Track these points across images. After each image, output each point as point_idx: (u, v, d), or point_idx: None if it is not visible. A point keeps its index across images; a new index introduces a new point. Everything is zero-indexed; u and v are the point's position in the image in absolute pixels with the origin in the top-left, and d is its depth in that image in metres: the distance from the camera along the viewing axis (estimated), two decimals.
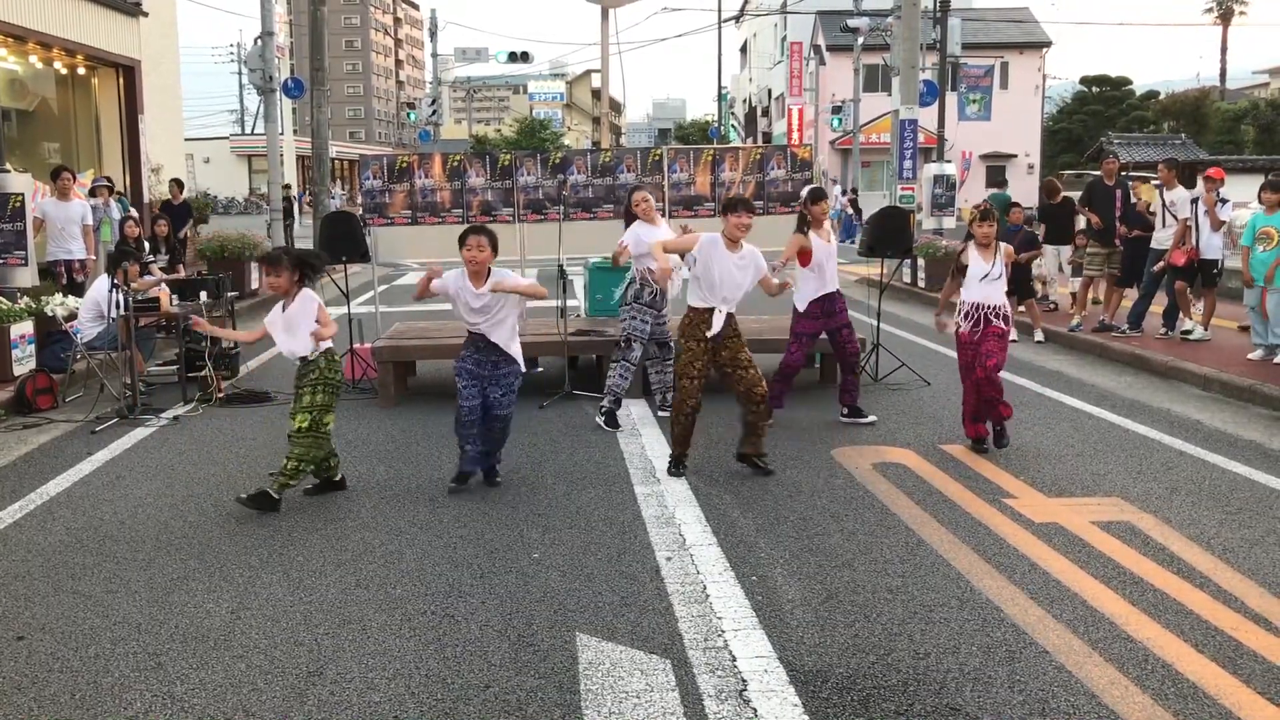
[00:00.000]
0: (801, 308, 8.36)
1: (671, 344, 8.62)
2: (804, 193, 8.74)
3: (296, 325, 6.39)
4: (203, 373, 9.65)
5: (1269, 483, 6.72)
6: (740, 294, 6.82)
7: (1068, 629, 4.54)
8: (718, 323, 6.70)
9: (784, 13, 49.86)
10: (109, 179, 15.37)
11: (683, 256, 6.94)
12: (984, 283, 7.44)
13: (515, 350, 6.61)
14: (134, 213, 15.19)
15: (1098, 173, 13.23)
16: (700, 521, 5.99)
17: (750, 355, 6.86)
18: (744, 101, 70.17)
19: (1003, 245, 7.64)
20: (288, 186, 29.85)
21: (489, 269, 6.45)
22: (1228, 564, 5.29)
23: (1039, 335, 12.44)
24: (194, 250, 16.54)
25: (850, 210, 32.98)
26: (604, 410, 8.31)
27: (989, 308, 7.43)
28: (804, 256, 8.11)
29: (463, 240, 6.42)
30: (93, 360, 9.63)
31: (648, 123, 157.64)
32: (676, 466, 6.97)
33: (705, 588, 5.02)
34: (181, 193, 16.65)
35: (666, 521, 6.01)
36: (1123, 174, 14.89)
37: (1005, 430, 7.52)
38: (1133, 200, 12.87)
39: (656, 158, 10.56)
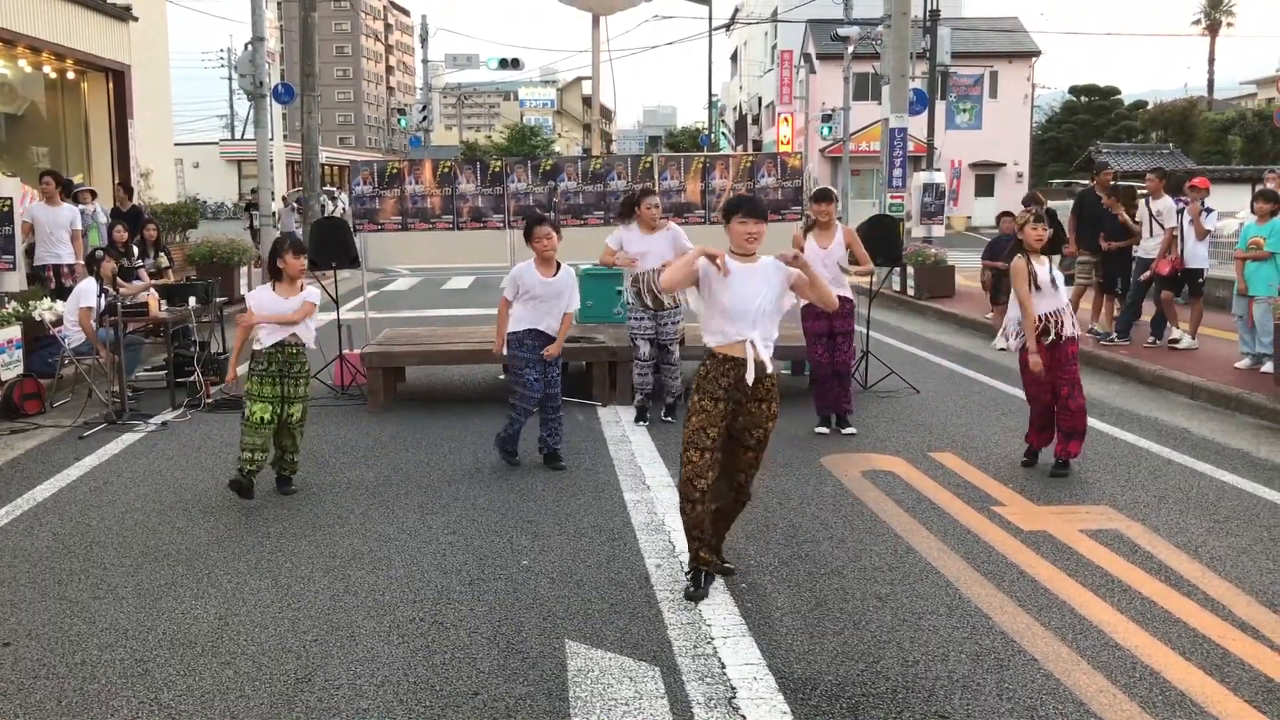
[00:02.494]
0: (800, 307, 8.28)
1: (671, 348, 8.65)
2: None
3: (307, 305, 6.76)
4: (191, 378, 9.62)
5: (1256, 491, 6.75)
6: (769, 316, 4.98)
7: (1056, 637, 4.55)
8: (751, 365, 4.88)
9: (774, 21, 50.00)
10: (88, 187, 15.21)
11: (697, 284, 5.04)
12: (1049, 291, 6.99)
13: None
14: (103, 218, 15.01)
15: (1087, 182, 13.27)
16: None
17: (769, 434, 5.12)
18: (734, 109, 70.24)
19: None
20: (254, 191, 29.47)
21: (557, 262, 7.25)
22: (1215, 572, 5.31)
23: (1000, 342, 12.38)
24: (182, 255, 16.46)
25: None
26: (635, 407, 8.78)
27: (1058, 318, 6.98)
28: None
29: (530, 232, 7.17)
30: (81, 365, 9.59)
31: (638, 130, 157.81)
32: (696, 583, 5.04)
33: None
34: (130, 198, 16.13)
35: (656, 528, 6.00)
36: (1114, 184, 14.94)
37: (1069, 463, 7.14)
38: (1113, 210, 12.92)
39: (647, 165, 10.57)
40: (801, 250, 8.03)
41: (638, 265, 8.50)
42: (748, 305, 4.89)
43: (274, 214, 20.92)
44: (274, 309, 6.64)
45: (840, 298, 8.11)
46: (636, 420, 8.67)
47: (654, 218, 8.51)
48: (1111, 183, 12.85)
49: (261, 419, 6.52)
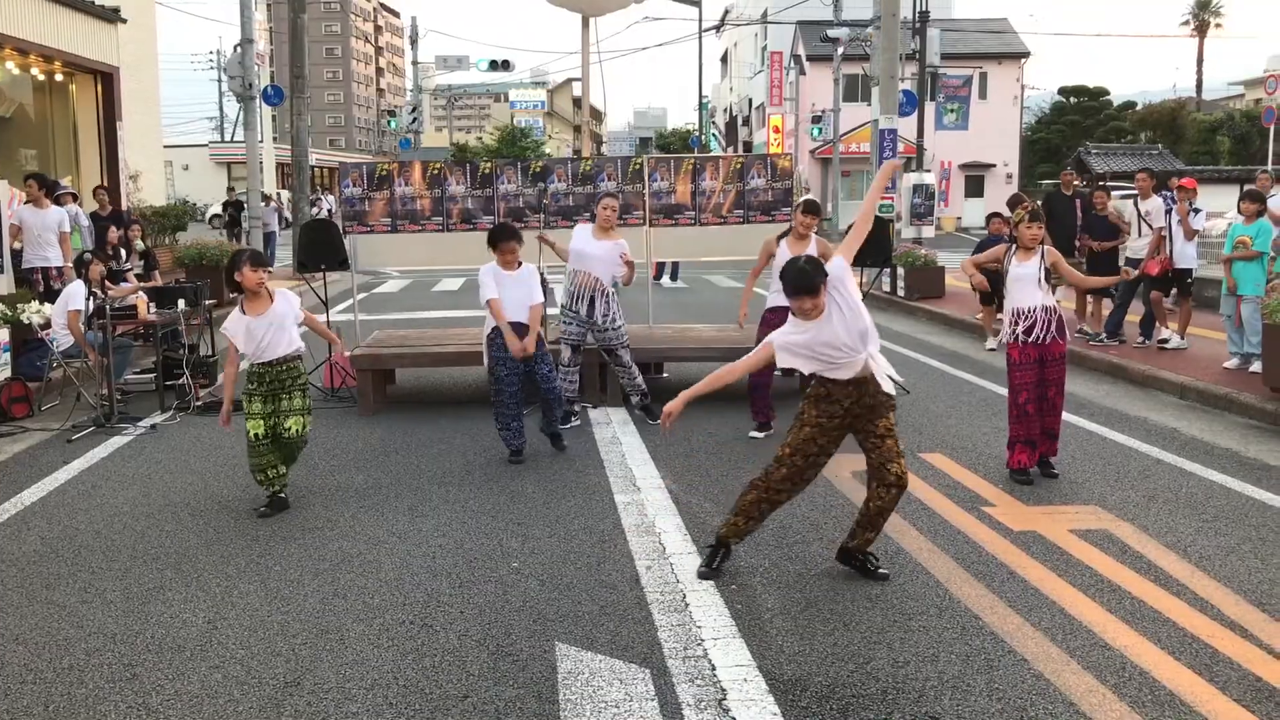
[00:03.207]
0: (763, 310, 8.19)
1: (619, 352, 8.65)
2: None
3: (286, 323, 6.41)
4: (180, 381, 9.59)
5: (1245, 491, 6.77)
6: (864, 333, 4.93)
7: (1046, 637, 4.55)
8: (882, 379, 5.02)
9: (764, 23, 50.05)
10: (70, 189, 15.09)
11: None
12: (1030, 286, 6.92)
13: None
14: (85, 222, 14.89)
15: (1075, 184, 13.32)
16: (680, 530, 5.99)
17: (892, 420, 5.17)
18: (725, 110, 70.31)
19: (1047, 249, 6.99)
20: (231, 189, 28.93)
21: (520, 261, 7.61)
22: (1204, 571, 5.33)
23: (991, 343, 12.43)
24: (170, 258, 16.40)
25: None
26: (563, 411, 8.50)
27: (1044, 315, 6.90)
28: (762, 260, 8.27)
29: (497, 243, 7.52)
30: (69, 369, 9.56)
31: (629, 131, 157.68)
32: (710, 563, 5.31)
33: (685, 596, 5.01)
34: (111, 201, 15.90)
35: (646, 530, 6.00)
36: (1098, 184, 14.99)
37: (1052, 462, 7.15)
38: (1102, 211, 12.96)
39: (637, 166, 10.57)
40: (772, 257, 8.06)
41: (577, 266, 8.45)
42: (837, 339, 4.90)
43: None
44: (257, 330, 6.33)
45: None
46: (560, 424, 8.15)
47: (609, 220, 8.48)
48: (1075, 183, 12.95)
49: (256, 435, 6.31)
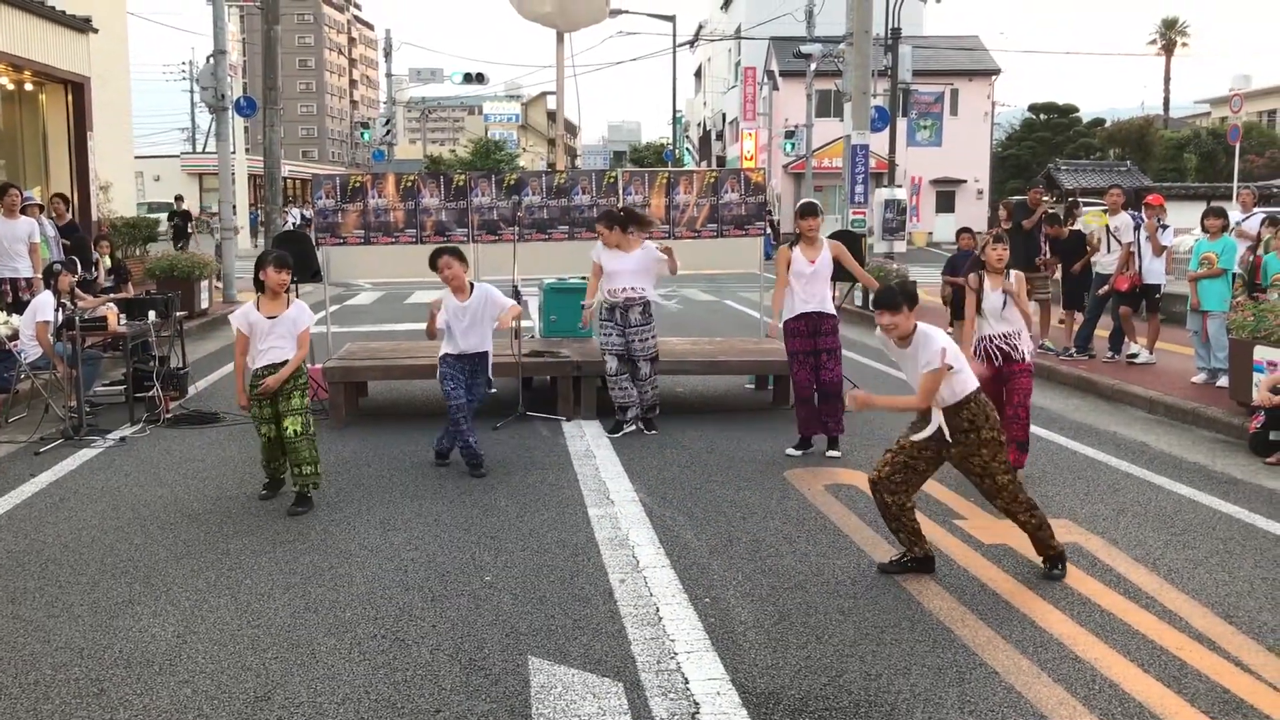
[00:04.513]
0: (781, 325, 8.17)
1: (641, 365, 8.65)
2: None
3: (299, 332, 6.79)
4: (150, 393, 9.51)
5: (1213, 504, 6.83)
6: (925, 369, 5.24)
7: (1017, 649, 4.58)
8: (938, 426, 5.33)
9: (738, 38, 50.27)
10: (35, 201, 14.88)
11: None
12: (1001, 314, 7.11)
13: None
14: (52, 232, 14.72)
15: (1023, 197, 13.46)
16: (653, 544, 5.99)
17: (993, 458, 5.34)
18: (699, 125, 70.51)
19: (1014, 272, 7.15)
20: (179, 198, 27.38)
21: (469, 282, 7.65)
22: (1173, 584, 5.37)
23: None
24: (143, 269, 16.25)
25: (769, 230, 33.18)
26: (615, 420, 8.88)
27: (1008, 343, 7.13)
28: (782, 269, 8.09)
29: (434, 263, 7.56)
30: (37, 380, 9.46)
31: (603, 145, 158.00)
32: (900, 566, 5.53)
33: (658, 610, 5.01)
34: (68, 210, 15.64)
35: (620, 544, 5.99)
36: (1072, 200, 15.12)
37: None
38: (1084, 228, 13.10)
39: (611, 180, 10.59)
40: (789, 265, 8.01)
41: (610, 285, 8.56)
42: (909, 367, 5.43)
43: (218, 225, 20.46)
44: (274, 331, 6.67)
45: (824, 314, 8.04)
46: (610, 431, 8.72)
47: (608, 241, 8.58)
48: (1044, 200, 13.10)
49: (268, 438, 6.73)
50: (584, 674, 4.34)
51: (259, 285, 6.83)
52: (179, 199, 26.98)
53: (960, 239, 13.37)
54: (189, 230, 25.43)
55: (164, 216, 26.86)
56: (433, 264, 7.61)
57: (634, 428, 8.75)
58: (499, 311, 7.66)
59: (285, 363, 6.65)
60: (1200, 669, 4.39)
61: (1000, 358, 7.18)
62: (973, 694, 4.16)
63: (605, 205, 10.37)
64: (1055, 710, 4.03)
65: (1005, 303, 7.08)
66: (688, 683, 4.25)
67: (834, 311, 8.16)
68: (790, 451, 8.15)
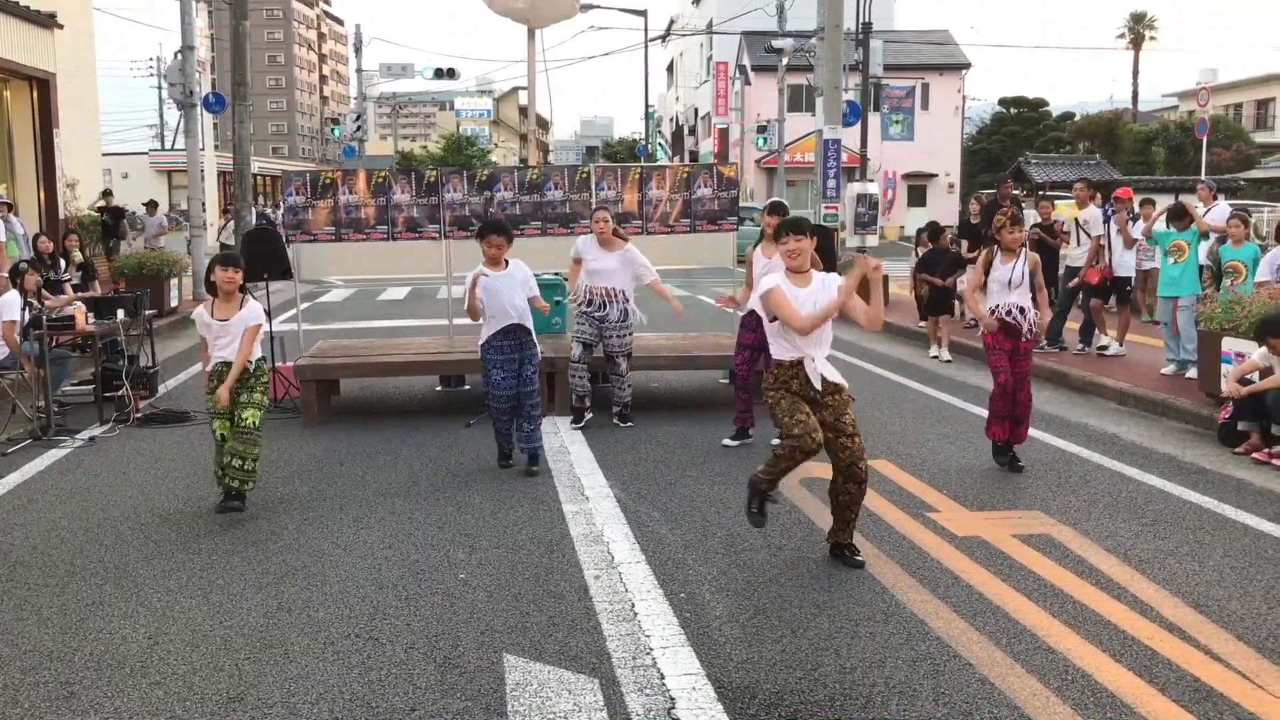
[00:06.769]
0: (740, 317, 8.32)
1: (618, 360, 8.66)
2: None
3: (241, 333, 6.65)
4: (120, 392, 9.42)
5: (1182, 494, 6.90)
6: (827, 334, 5.61)
7: (990, 641, 4.60)
8: (813, 376, 5.49)
9: (710, 33, 50.32)
10: (4, 199, 14.64)
11: (772, 319, 5.59)
12: (1009, 289, 7.35)
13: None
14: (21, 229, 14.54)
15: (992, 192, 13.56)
16: (628, 539, 5.98)
17: (854, 420, 5.62)
18: (671, 120, 70.53)
19: (1026, 252, 7.45)
20: (107, 193, 22.05)
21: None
22: (1144, 575, 5.42)
23: (940, 352, 12.58)
24: (110, 267, 16.07)
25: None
26: (571, 409, 8.92)
27: (1018, 309, 7.36)
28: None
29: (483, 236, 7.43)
30: (4, 380, 9.36)
31: (576, 140, 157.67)
32: (761, 510, 5.69)
33: (634, 605, 5.01)
34: (10, 210, 15.03)
35: (595, 539, 5.99)
36: (1040, 193, 15.21)
37: (1017, 455, 7.59)
38: (1057, 219, 13.17)
39: (584, 175, 10.56)
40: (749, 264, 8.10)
41: (593, 283, 8.63)
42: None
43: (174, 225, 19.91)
44: (217, 344, 6.60)
45: None
46: (573, 424, 8.77)
47: (604, 233, 8.62)
48: (1012, 193, 13.17)
49: (223, 435, 6.53)
50: (559, 670, 4.33)
51: (210, 288, 6.74)
52: (107, 194, 21.79)
53: (938, 239, 13.47)
54: (120, 230, 20.73)
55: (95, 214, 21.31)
56: (483, 236, 7.46)
57: (591, 415, 8.85)
58: (530, 292, 7.50)
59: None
60: (1171, 658, 4.43)
61: (1015, 321, 7.37)
62: (947, 686, 4.18)
63: (579, 200, 10.35)
64: (1029, 701, 4.06)
65: (1012, 279, 7.31)
66: (663, 678, 4.25)
67: None
68: (726, 442, 8.24)
